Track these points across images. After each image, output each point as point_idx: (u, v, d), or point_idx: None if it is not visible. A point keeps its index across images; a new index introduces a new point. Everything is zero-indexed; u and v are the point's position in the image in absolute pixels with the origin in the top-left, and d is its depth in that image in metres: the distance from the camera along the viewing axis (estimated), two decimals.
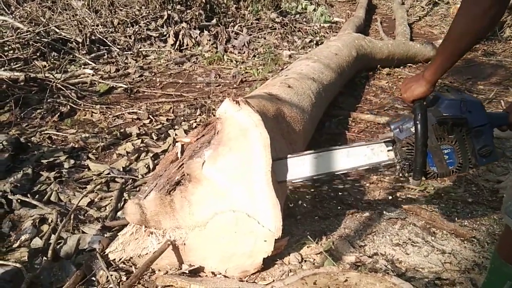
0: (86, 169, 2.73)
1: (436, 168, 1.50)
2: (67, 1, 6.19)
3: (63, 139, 3.18)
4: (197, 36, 5.97)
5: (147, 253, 1.75)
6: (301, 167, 1.72)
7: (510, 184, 1.32)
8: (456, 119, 1.43)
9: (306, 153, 1.74)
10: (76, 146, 3.03)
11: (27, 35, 4.90)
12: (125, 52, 5.48)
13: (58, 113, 3.55)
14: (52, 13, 5.91)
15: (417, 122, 1.42)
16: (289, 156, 1.75)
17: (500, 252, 1.36)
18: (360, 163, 1.70)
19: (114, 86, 4.31)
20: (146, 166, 2.76)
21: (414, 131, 1.46)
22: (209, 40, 5.95)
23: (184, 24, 6.01)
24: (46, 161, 2.74)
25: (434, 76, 1.39)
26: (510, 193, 1.28)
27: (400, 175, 1.58)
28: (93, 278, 1.77)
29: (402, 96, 1.50)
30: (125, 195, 2.43)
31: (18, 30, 4.93)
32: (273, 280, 1.71)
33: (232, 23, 6.59)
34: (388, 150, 1.65)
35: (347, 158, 1.70)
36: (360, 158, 1.69)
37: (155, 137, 3.22)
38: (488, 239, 2.05)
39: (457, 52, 1.30)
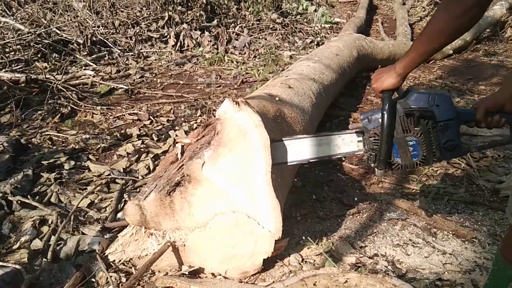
0: (87, 170, 2.72)
1: (401, 159, 1.51)
2: (68, 3, 6.20)
3: (63, 140, 3.19)
4: (198, 37, 5.98)
5: (147, 254, 1.75)
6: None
7: None
8: (422, 111, 1.44)
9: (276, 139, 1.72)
10: (77, 147, 3.03)
11: (28, 36, 4.91)
12: (126, 53, 5.49)
13: (59, 114, 3.56)
14: (53, 15, 5.92)
15: (384, 112, 1.43)
16: None
17: (503, 254, 1.35)
18: (331, 153, 1.69)
19: (115, 87, 4.31)
20: (146, 167, 2.76)
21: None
22: (210, 41, 5.96)
23: (185, 25, 6.02)
24: (47, 162, 2.74)
25: (404, 70, 1.41)
26: None
27: (368, 165, 1.59)
28: (93, 280, 1.77)
29: (372, 86, 1.52)
30: (125, 196, 2.43)
31: (19, 32, 4.93)
32: (273, 281, 1.71)
33: (233, 24, 6.59)
34: (359, 141, 1.65)
35: (319, 147, 1.69)
36: (331, 148, 1.68)
37: (155, 138, 3.22)
38: (489, 239, 2.04)
39: (431, 49, 1.32)
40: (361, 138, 1.63)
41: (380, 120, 1.46)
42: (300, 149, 1.69)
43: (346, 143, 1.67)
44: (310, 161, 1.71)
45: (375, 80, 1.50)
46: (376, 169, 1.53)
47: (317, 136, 1.70)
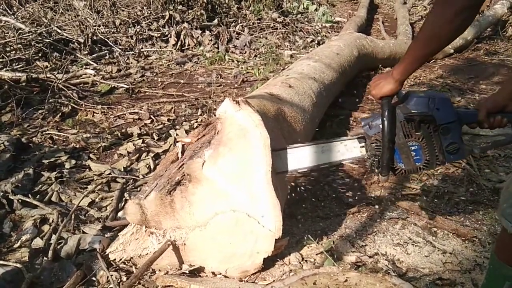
0: (87, 169, 2.73)
1: (404, 165, 1.51)
2: (69, 2, 6.20)
3: (64, 139, 3.19)
4: (198, 36, 5.98)
5: (147, 253, 1.75)
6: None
7: (505, 185, 1.31)
8: (423, 116, 1.44)
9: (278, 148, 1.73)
10: (77, 146, 3.03)
11: (29, 35, 4.91)
12: (127, 53, 5.49)
13: (60, 114, 3.56)
14: (54, 14, 5.93)
15: (384, 118, 1.43)
16: None
17: (497, 254, 1.36)
18: (334, 159, 1.69)
19: (116, 86, 4.31)
20: (147, 166, 2.76)
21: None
22: (211, 40, 5.96)
23: (185, 24, 6.02)
24: (47, 161, 2.75)
25: (402, 75, 1.41)
26: (506, 195, 1.27)
27: (370, 170, 1.58)
28: (94, 278, 1.77)
29: (371, 93, 1.52)
30: (126, 195, 2.44)
31: (20, 31, 4.94)
32: (273, 280, 1.71)
33: (233, 23, 6.59)
34: (361, 147, 1.66)
35: (322, 154, 1.69)
36: (334, 154, 1.69)
37: (156, 137, 3.22)
38: (490, 239, 2.04)
39: (425, 54, 1.32)
40: (363, 144, 1.64)
41: (380, 126, 1.46)
42: (302, 157, 1.69)
43: (349, 149, 1.67)
44: (313, 168, 1.72)
45: (374, 87, 1.50)
46: (380, 175, 1.53)
47: (319, 143, 1.70)
